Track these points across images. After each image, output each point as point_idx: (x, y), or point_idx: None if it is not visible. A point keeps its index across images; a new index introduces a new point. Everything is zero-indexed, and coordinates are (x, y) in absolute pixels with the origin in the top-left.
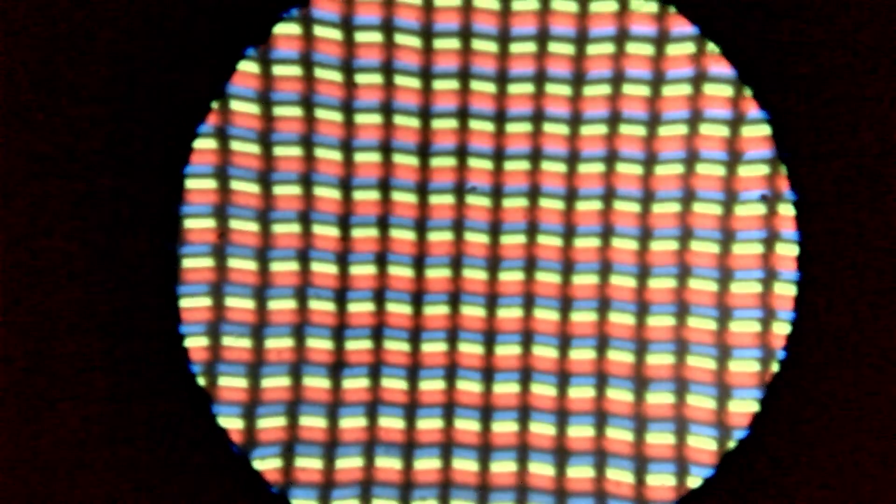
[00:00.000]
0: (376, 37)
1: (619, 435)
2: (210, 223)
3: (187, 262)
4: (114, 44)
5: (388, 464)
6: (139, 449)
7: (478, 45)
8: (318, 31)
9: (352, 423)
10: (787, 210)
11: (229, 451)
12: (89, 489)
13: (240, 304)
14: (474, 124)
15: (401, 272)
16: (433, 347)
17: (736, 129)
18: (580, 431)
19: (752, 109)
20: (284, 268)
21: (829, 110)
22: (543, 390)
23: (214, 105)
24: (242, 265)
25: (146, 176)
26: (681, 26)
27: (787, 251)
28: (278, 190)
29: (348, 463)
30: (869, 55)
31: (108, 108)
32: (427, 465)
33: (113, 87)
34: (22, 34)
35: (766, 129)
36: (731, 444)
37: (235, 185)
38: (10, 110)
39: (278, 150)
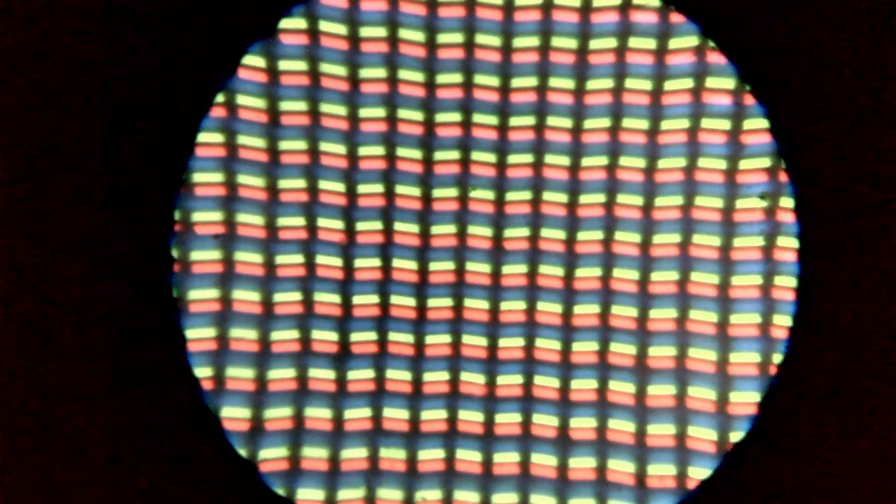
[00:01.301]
0: (380, 31)
1: (621, 425)
2: (216, 215)
3: (193, 255)
4: (119, 37)
5: (393, 453)
6: (140, 447)
7: (482, 38)
8: (324, 25)
9: (356, 414)
10: (787, 202)
11: (230, 446)
12: (90, 488)
13: (245, 296)
14: (478, 117)
15: (404, 264)
16: (437, 339)
17: (738, 121)
18: (583, 422)
19: (754, 102)
20: (289, 259)
21: (830, 102)
22: (547, 381)
23: (220, 98)
24: (248, 257)
25: (151, 168)
26: (683, 19)
27: (789, 243)
28: (283, 182)
29: (353, 453)
30: (868, 47)
31: (114, 102)
32: (431, 454)
33: (118, 80)
34: (24, 24)
35: (767, 122)
36: (733, 435)
37: (241, 177)
38: (9, 105)
39: (283, 143)
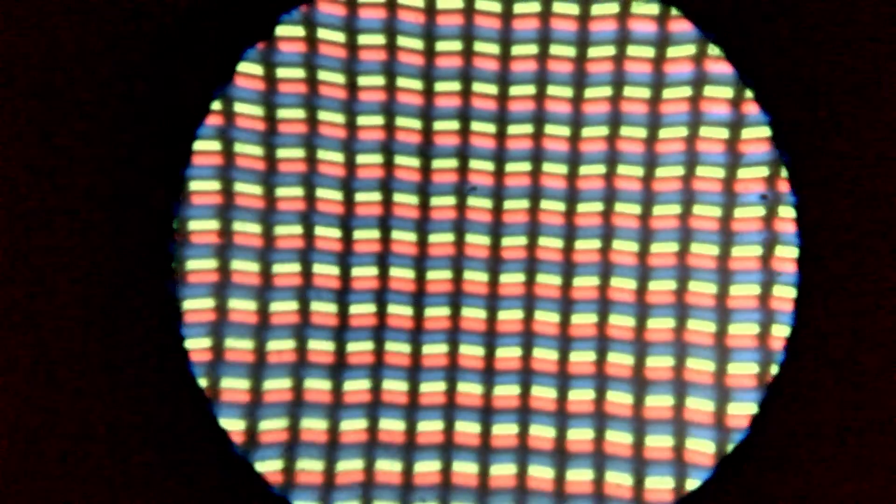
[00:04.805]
0: (378, 39)
1: (618, 437)
2: (213, 224)
3: (190, 264)
4: (116, 44)
5: (389, 466)
6: (140, 451)
7: (480, 47)
8: (321, 33)
9: (352, 425)
10: (787, 211)
11: (230, 453)
12: (89, 490)
13: (242, 306)
14: (476, 126)
15: (402, 273)
16: (434, 349)
17: (736, 130)
18: (580, 434)
19: (753, 111)
20: (286, 269)
21: (830, 111)
22: (544, 392)
23: (217, 106)
24: (244, 266)
25: (148, 176)
26: (682, 28)
27: (787, 253)
28: (280, 191)
29: (349, 465)
30: (869, 55)
31: (110, 109)
32: (427, 466)
33: (115, 88)
34: (22, 35)
35: (766, 131)
36: (730, 447)
37: (238, 186)
38: (10, 110)
39: (281, 152)
